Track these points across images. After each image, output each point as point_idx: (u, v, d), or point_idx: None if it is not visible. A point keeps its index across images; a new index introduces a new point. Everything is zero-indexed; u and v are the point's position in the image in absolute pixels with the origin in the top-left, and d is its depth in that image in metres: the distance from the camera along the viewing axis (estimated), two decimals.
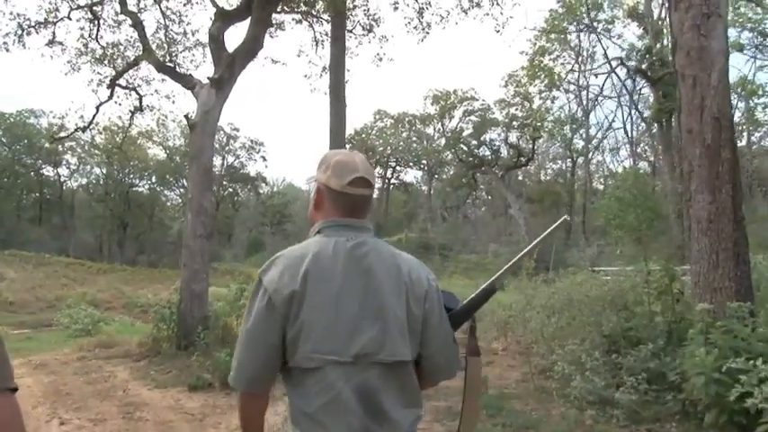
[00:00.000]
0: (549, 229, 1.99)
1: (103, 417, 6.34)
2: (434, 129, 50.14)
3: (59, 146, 51.59)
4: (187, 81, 11.69)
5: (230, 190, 57.12)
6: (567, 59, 35.46)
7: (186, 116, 10.86)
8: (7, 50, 14.35)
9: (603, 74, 32.43)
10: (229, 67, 10.94)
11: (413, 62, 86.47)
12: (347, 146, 19.92)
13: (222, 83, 10.73)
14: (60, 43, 14.69)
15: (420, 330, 1.92)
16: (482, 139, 43.32)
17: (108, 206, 52.11)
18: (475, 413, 2.14)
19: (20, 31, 14.33)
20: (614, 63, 29.94)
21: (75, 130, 16.35)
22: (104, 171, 54.28)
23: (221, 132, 53.51)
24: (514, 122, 40.46)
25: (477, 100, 44.26)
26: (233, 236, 59.90)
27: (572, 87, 37.21)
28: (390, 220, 55.10)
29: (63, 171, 55.21)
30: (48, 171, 55.01)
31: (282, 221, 58.58)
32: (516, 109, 39.98)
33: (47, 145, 50.93)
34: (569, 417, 5.48)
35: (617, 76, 29.63)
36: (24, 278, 33.88)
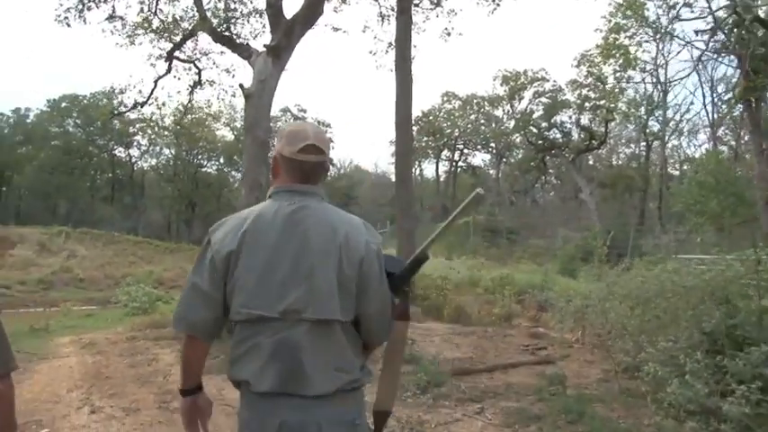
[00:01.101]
0: (464, 203, 2.00)
1: (138, 405, 5.88)
2: (503, 111, 48.91)
3: (130, 127, 52.89)
4: (244, 51, 11.23)
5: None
6: (644, 37, 33.70)
7: (241, 86, 10.31)
8: (68, 25, 14.22)
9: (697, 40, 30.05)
10: (287, 34, 10.37)
11: (481, 42, 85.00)
12: (414, 127, 19.27)
13: (279, 51, 10.17)
14: (120, 17, 14.46)
15: (355, 292, 2.00)
16: (552, 121, 42.08)
17: (177, 186, 52.86)
18: (395, 381, 2.19)
19: (81, 6, 14.14)
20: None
21: (134, 106, 16.13)
22: (173, 152, 55.17)
23: (288, 114, 53.90)
24: (587, 104, 39.01)
25: (548, 81, 42.88)
26: None
27: (648, 67, 35.44)
28: (457, 203, 54.14)
29: (134, 152, 56.36)
30: (120, 152, 56.18)
31: (349, 203, 58.42)
32: (589, 90, 38.43)
33: (118, 126, 52.10)
34: (666, 429, 4.66)
35: (723, 33, 27.29)
36: (95, 255, 34.43)
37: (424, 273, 14.44)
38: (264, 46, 10.41)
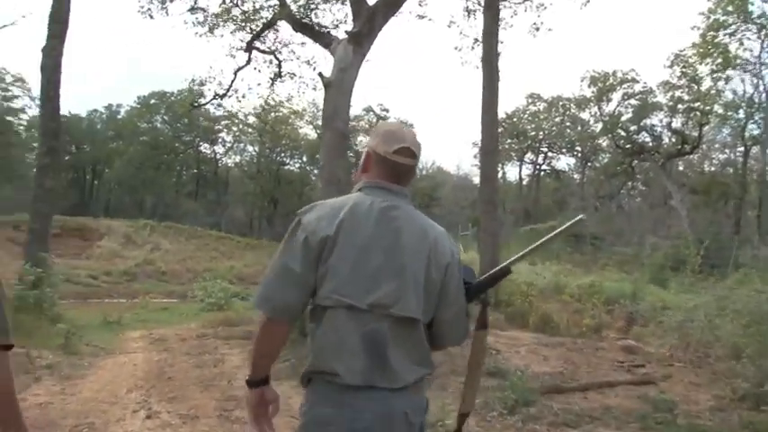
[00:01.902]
0: (565, 225, 2.13)
1: (197, 412, 5.44)
2: (590, 113, 47.31)
3: (216, 124, 53.88)
4: (324, 39, 10.81)
5: None
6: (746, 34, 31.77)
7: (321, 74, 9.84)
8: (151, 17, 14.20)
9: None
10: (369, 20, 9.84)
11: (568, 42, 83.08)
12: (499, 129, 18.58)
13: (361, 38, 9.66)
14: (202, 9, 14.31)
15: (437, 295, 2.07)
16: (642, 124, 40.35)
17: (259, 183, 53.39)
18: (476, 387, 2.28)
19: None
20: None
21: (214, 98, 16.02)
22: (257, 149, 55.90)
23: (371, 113, 53.80)
24: (679, 106, 37.18)
25: (638, 82, 41.04)
26: None
27: (749, 66, 33.43)
28: (539, 207, 53.04)
29: (219, 148, 57.33)
30: (205, 148, 57.26)
31: (431, 205, 58.01)
32: (682, 91, 36.61)
33: (203, 122, 53.14)
34: None
35: None
36: (177, 249, 34.94)
37: (509, 278, 13.74)
38: (346, 32, 9.96)
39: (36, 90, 50.42)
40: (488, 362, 6.96)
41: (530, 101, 50.29)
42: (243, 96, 16.20)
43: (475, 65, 17.43)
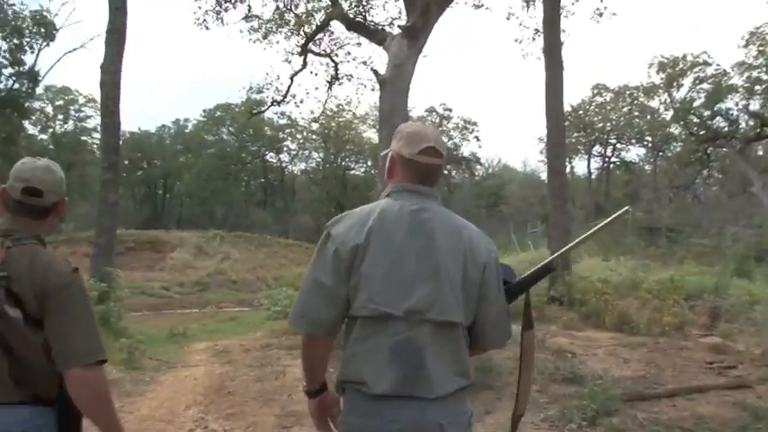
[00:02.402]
0: (610, 218, 2.15)
1: (255, 430, 5.21)
2: (660, 101, 45.74)
3: (280, 132, 54.49)
4: (378, 35, 10.55)
5: (445, 172, 56.69)
6: None
7: (375, 71, 9.55)
8: (207, 28, 14.24)
9: None
10: (423, 14, 9.49)
11: (633, 29, 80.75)
12: (565, 122, 18.03)
13: (416, 32, 9.30)
14: (256, 16, 14.24)
15: (476, 296, 2.01)
16: (716, 108, 38.67)
17: (325, 189, 53.70)
18: (528, 388, 2.28)
19: (218, 7, 14.08)
20: None
21: (272, 104, 15.95)
22: (322, 156, 56.35)
23: (434, 113, 53.46)
24: (757, 87, 35.51)
25: (711, 65, 39.40)
26: None
27: None
28: (610, 201, 51.66)
29: (284, 157, 57.98)
30: (271, 157, 57.99)
31: (498, 203, 57.46)
32: (759, 71, 34.95)
33: (268, 132, 53.79)
34: None
35: None
36: (247, 258, 35.26)
37: (582, 275, 13.18)
38: (399, 27, 9.64)
39: None
40: (564, 366, 6.53)
41: (595, 92, 49.19)
42: (301, 101, 16.12)
43: (537, 56, 17.03)
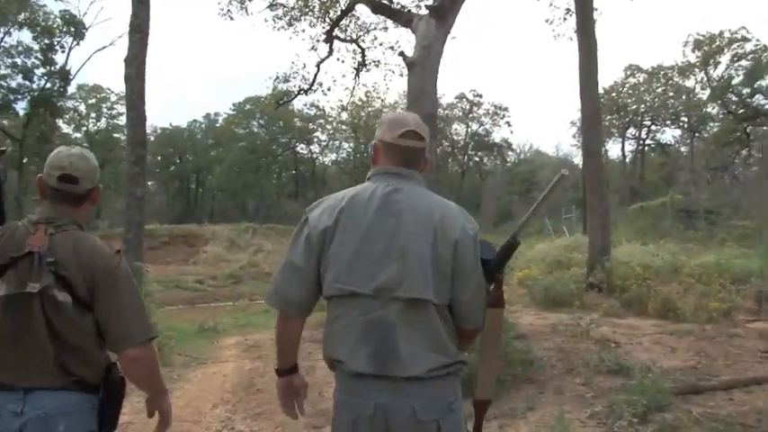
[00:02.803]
0: (548, 187, 2.22)
1: (284, 430, 4.97)
2: (696, 80, 44.74)
3: (310, 124, 54.46)
4: (404, 17, 10.19)
5: (476, 159, 56.27)
6: None
7: (402, 54, 9.21)
8: (231, 18, 14.09)
9: None
10: None
11: (666, 8, 79.11)
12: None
13: (443, 11, 8.91)
14: (281, 4, 13.99)
15: (450, 275, 2.02)
16: (756, 86, 37.67)
17: (355, 179, 53.54)
18: (495, 363, 2.26)
19: None
20: None
21: (299, 93, 15.71)
22: (352, 146, 56.24)
23: (464, 100, 52.99)
24: None
25: (750, 40, 38.35)
26: (481, 206, 59.69)
27: None
28: (645, 183, 50.73)
29: (315, 148, 57.99)
30: (301, 149, 58.02)
31: (531, 189, 56.86)
32: None
33: (298, 123, 53.78)
34: None
35: None
36: (279, 250, 35.12)
37: (621, 260, 12.76)
38: (427, 7, 9.29)
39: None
40: (609, 358, 6.18)
41: (628, 73, 48.31)
42: (328, 89, 15.72)
43: (568, 37, 16.66)
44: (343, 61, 14.35)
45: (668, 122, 49.83)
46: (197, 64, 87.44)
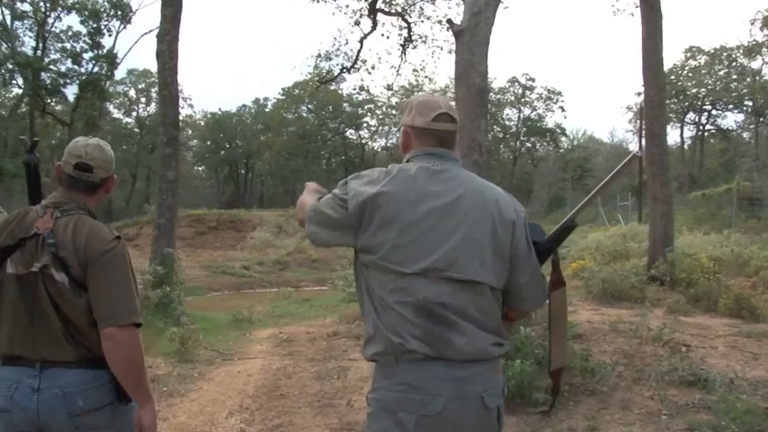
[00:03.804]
0: (618, 166, 2.00)
1: None
2: (763, 60, 42.60)
3: (359, 109, 53.96)
4: None
5: (528, 145, 55.14)
6: None
7: (450, 21, 8.38)
8: None
9: None
10: None
11: None
12: None
13: None
14: None
15: (509, 257, 1.95)
16: None
17: None
18: (563, 342, 2.16)
19: None
20: None
21: (342, 71, 14.98)
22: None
23: (517, 84, 51.74)
24: None
25: None
26: (533, 192, 58.90)
27: None
28: (704, 171, 48.92)
29: (364, 133, 57.50)
30: (351, 134, 57.63)
31: (584, 176, 55.81)
32: None
33: (347, 108, 53.29)
34: None
35: None
36: None
37: (686, 252, 11.80)
38: None
39: (186, 91, 53.01)
40: (681, 365, 5.35)
41: (689, 55, 46.35)
42: (372, 68, 14.94)
43: (629, 13, 15.66)
44: (388, 37, 13.67)
45: (730, 107, 47.77)
46: (249, 49, 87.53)
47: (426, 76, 36.65)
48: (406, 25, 13.23)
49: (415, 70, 21.79)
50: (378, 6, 12.72)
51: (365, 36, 13.24)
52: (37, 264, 2.12)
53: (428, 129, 2.01)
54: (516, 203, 2.03)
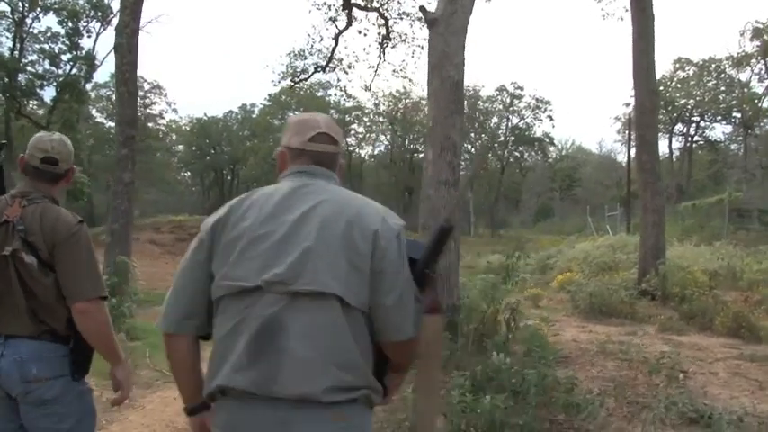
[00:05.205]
0: (475, 163, 2.02)
1: None
2: (752, 71, 42.32)
3: (346, 116, 53.48)
4: None
5: (516, 154, 54.75)
6: None
7: (422, 8, 7.68)
8: None
9: None
10: None
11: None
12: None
13: None
14: None
15: (368, 272, 1.70)
16: None
17: (393, 173, 52.75)
18: (434, 380, 1.95)
19: None
20: None
21: (315, 71, 14.28)
22: (389, 139, 55.45)
23: (504, 93, 51.23)
24: None
25: None
26: (521, 202, 58.68)
27: None
28: (693, 182, 48.73)
29: (351, 140, 57.00)
30: None
31: (572, 186, 55.59)
32: None
33: (335, 115, 52.69)
34: None
35: None
36: None
37: (679, 265, 11.16)
38: None
39: (172, 95, 52.44)
40: (681, 399, 4.62)
41: (677, 66, 46.08)
42: (349, 66, 14.20)
43: (619, 16, 15.26)
44: (365, 34, 12.87)
45: (719, 118, 47.62)
46: (234, 54, 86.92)
47: (411, 82, 35.95)
48: (383, 22, 12.55)
49: (394, 71, 21.08)
50: (352, 1, 11.98)
51: (340, 33, 12.56)
52: (8, 248, 2.34)
53: (304, 150, 1.87)
54: (390, 216, 1.80)
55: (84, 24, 33.00)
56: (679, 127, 50.05)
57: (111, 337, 2.49)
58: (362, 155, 59.39)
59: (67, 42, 33.17)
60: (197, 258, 1.77)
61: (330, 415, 1.61)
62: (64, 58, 33.46)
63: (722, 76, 44.86)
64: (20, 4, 32.74)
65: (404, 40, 13.44)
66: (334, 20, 12.51)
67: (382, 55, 14.00)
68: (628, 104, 37.45)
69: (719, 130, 51.50)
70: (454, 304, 6.42)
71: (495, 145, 53.44)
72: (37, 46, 33.76)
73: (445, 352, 5.28)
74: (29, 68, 33.47)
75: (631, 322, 8.79)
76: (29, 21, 33.60)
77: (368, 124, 56.51)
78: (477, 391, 4.18)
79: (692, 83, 46.29)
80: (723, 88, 45.43)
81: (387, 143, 57.09)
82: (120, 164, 9.74)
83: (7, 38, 33.53)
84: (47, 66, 33.57)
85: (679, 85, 46.74)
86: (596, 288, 9.86)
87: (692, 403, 4.53)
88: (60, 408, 2.39)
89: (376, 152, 59.41)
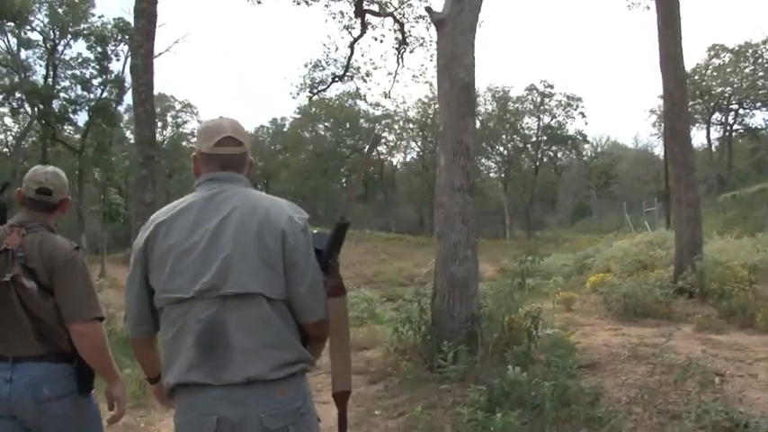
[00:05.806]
0: (366, 152, 2.39)
1: None
2: None
3: (376, 124, 53.42)
4: None
5: (550, 154, 54.10)
6: None
7: (429, 9, 7.46)
8: (259, 2, 12.96)
9: None
10: None
11: None
12: None
13: None
14: None
15: (282, 267, 1.95)
16: None
17: (425, 180, 52.59)
18: (346, 359, 2.13)
19: None
20: None
21: (333, 80, 14.21)
22: (420, 145, 55.23)
23: (534, 92, 50.72)
24: None
25: None
26: (557, 202, 57.95)
27: None
28: (734, 172, 47.54)
29: (382, 149, 56.97)
30: None
31: (609, 183, 54.64)
32: None
33: (365, 125, 52.73)
34: None
35: None
36: (346, 254, 33.71)
37: (717, 260, 10.74)
38: None
39: (203, 112, 53.03)
40: (714, 406, 4.33)
41: (712, 53, 45.20)
42: (367, 74, 14.08)
43: (645, 6, 14.89)
44: (381, 41, 12.72)
45: (758, 104, 46.47)
46: (263, 69, 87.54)
47: (427, 81, 35.67)
48: (399, 27, 12.38)
49: (414, 76, 20.72)
50: (364, 8, 11.82)
51: (355, 40, 12.46)
52: (8, 274, 2.44)
53: (212, 154, 2.06)
54: (295, 212, 2.03)
55: (113, 48, 33.60)
56: (717, 116, 49.12)
57: (108, 356, 2.60)
58: (394, 162, 59.35)
59: (97, 67, 33.79)
60: (135, 275, 2.01)
61: (275, 392, 1.89)
62: (95, 82, 34.16)
63: (759, 60, 43.89)
64: (51, 32, 33.45)
65: (421, 44, 13.28)
66: (348, 28, 12.45)
67: (400, 60, 13.90)
68: (661, 96, 36.75)
69: (760, 117, 50.25)
70: (473, 314, 6.20)
71: (528, 145, 52.98)
72: (69, 72, 34.51)
73: (462, 366, 5.09)
74: (62, 94, 34.22)
75: (668, 322, 8.40)
76: (60, 48, 34.37)
77: (398, 132, 56.44)
78: (493, 407, 3.98)
79: (728, 70, 45.50)
80: (761, 73, 44.39)
81: (418, 150, 56.91)
82: (139, 184, 9.71)
83: (41, 65, 34.31)
84: (79, 91, 34.31)
85: (715, 73, 45.96)
86: (630, 289, 9.51)
87: (727, 410, 4.23)
88: (71, 422, 2.52)
89: (408, 159, 59.25)
